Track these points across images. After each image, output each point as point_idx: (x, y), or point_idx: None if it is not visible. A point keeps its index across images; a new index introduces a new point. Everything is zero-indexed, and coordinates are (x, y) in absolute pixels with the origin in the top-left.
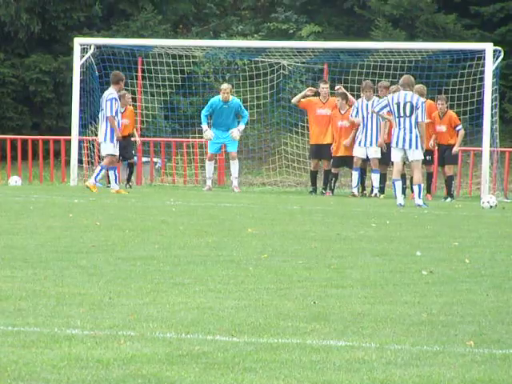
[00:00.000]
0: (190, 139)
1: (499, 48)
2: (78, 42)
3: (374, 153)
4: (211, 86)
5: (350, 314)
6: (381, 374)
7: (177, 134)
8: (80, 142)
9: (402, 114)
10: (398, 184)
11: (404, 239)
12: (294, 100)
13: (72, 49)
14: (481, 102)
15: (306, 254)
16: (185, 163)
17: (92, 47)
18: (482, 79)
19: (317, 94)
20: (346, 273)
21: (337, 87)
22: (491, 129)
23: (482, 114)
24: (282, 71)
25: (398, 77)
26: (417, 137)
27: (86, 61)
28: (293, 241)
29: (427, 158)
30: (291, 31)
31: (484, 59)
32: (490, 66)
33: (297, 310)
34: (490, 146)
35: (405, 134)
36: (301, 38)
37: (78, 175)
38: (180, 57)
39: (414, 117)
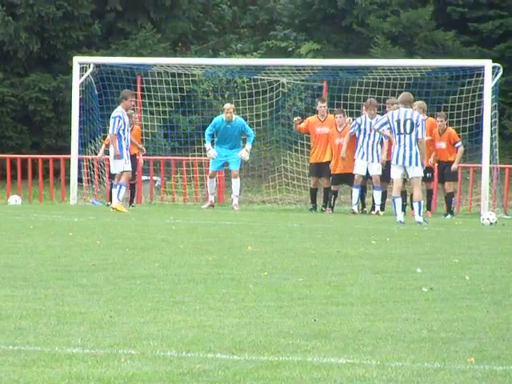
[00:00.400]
0: (190, 157)
1: (498, 65)
2: (77, 60)
3: (376, 170)
4: (210, 105)
5: (351, 332)
6: None
7: (176, 152)
8: (79, 160)
9: (402, 131)
10: (398, 201)
11: (404, 256)
12: (295, 129)
13: (71, 68)
14: (480, 119)
15: (306, 271)
16: (184, 181)
17: (91, 66)
18: (481, 96)
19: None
20: (346, 290)
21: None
22: (491, 145)
23: (482, 131)
24: (281, 89)
25: (397, 94)
26: (417, 154)
27: (86, 80)
28: (293, 258)
29: (427, 175)
30: (290, 49)
31: (483, 76)
32: (489, 83)
33: (297, 328)
34: (490, 163)
35: (405, 151)
36: (300, 56)
37: (78, 194)
38: (179, 75)
39: (414, 134)
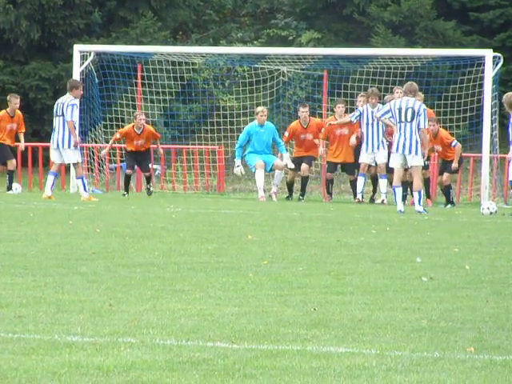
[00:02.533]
0: (190, 146)
1: (499, 54)
2: (77, 49)
3: (383, 158)
4: (211, 93)
5: (350, 321)
6: (381, 380)
7: (177, 140)
8: (80, 148)
9: (403, 120)
10: (399, 190)
11: (404, 245)
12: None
13: (72, 56)
14: (480, 109)
15: (306, 260)
16: (184, 170)
17: (92, 54)
18: (481, 85)
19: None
20: (346, 279)
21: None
22: (491, 135)
23: (482, 121)
24: (281, 78)
25: (397, 83)
26: (417, 143)
27: (86, 68)
28: (293, 247)
29: (425, 163)
30: (291, 38)
31: (484, 65)
32: (489, 73)
33: (297, 317)
34: (490, 153)
35: (405, 139)
36: (300, 45)
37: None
38: (180, 64)
39: (415, 123)
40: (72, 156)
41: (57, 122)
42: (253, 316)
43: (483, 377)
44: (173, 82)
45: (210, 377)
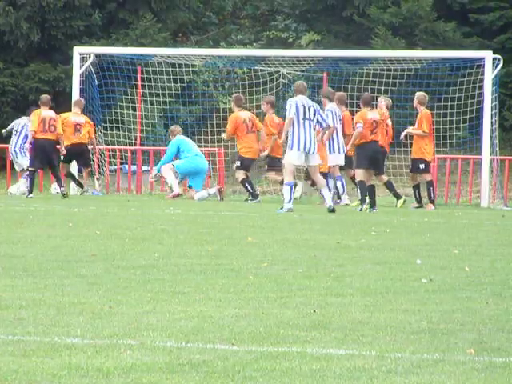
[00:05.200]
0: None
1: (499, 56)
2: (77, 50)
3: (342, 160)
4: (210, 95)
5: (350, 323)
6: (381, 382)
7: None
8: None
9: (307, 117)
10: (291, 187)
11: (404, 247)
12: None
13: (71, 58)
14: (480, 110)
15: (306, 262)
16: None
17: (91, 56)
18: (481, 87)
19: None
20: (346, 281)
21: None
22: (491, 137)
23: (482, 122)
24: (281, 80)
25: (397, 85)
26: (315, 142)
27: (86, 70)
28: (293, 249)
29: (420, 166)
30: (290, 40)
31: (483, 67)
32: (489, 74)
33: (297, 319)
34: (490, 154)
35: (310, 137)
36: (300, 47)
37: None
38: (179, 66)
39: (314, 120)
40: None
41: None
42: (253, 318)
43: (483, 379)
44: (173, 84)
45: (210, 379)
